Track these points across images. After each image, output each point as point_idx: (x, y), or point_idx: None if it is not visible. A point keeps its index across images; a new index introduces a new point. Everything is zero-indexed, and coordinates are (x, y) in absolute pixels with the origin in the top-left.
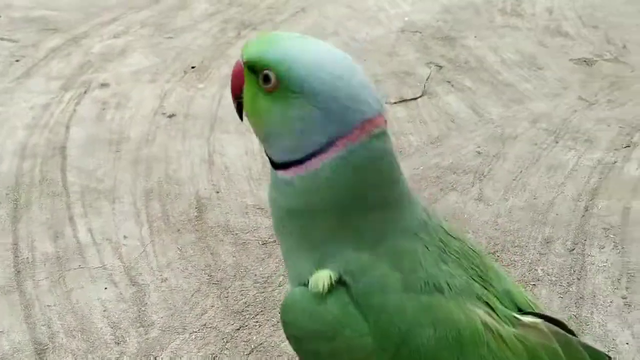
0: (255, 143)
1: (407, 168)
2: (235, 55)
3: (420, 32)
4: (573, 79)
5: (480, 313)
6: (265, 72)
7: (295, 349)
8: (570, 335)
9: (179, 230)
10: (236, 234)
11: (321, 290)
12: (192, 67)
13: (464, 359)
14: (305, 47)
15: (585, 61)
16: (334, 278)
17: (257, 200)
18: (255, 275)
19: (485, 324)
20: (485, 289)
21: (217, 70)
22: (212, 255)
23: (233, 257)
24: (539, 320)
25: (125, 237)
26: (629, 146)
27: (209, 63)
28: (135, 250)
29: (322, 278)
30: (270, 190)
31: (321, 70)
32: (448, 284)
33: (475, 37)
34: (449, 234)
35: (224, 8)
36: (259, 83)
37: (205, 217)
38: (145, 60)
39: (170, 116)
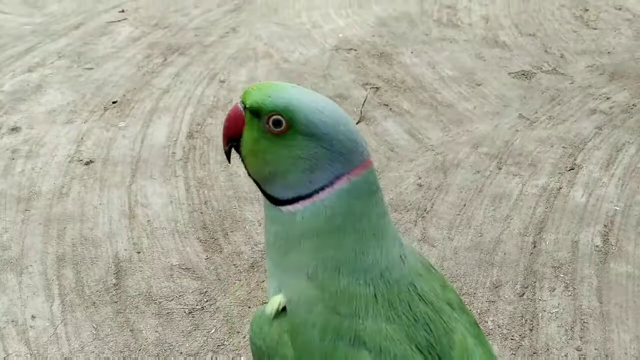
0: (181, 190)
1: None
2: (160, 86)
3: (356, 50)
4: (513, 95)
5: None
6: (276, 116)
7: None
8: None
9: (94, 303)
10: (159, 302)
11: (269, 313)
12: (113, 102)
13: None
14: (306, 95)
15: (524, 74)
16: (281, 305)
17: (183, 259)
18: (181, 352)
19: None
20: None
21: (141, 104)
22: (131, 332)
23: (155, 332)
24: None
25: (33, 317)
26: (573, 169)
27: (132, 96)
28: (44, 333)
29: (273, 302)
30: (268, 223)
31: (326, 116)
32: (380, 345)
33: (411, 52)
34: (417, 292)
35: (149, 31)
36: (264, 126)
37: (125, 285)
38: (62, 97)
39: (88, 163)
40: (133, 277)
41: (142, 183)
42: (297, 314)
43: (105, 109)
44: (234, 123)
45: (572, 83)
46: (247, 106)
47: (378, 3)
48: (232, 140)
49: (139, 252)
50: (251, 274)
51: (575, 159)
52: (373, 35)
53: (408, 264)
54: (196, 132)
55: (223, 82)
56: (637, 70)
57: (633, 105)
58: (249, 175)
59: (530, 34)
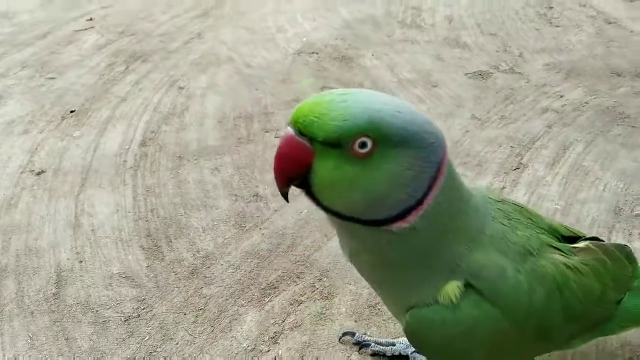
0: (128, 198)
1: (292, 211)
2: (119, 94)
3: (317, 53)
4: (467, 96)
5: (557, 257)
6: (362, 139)
7: (439, 358)
8: (604, 243)
9: (32, 313)
10: (96, 310)
11: (455, 300)
12: (71, 112)
13: (564, 300)
14: (376, 101)
15: (480, 74)
16: (461, 286)
17: (124, 268)
18: None
19: (565, 265)
20: (543, 234)
21: (98, 112)
22: (66, 340)
23: (90, 340)
24: (586, 242)
25: None
26: (518, 168)
27: (90, 105)
28: None
29: (451, 290)
30: (366, 251)
31: (405, 114)
32: (530, 245)
33: (372, 55)
34: (498, 201)
35: (115, 38)
36: (347, 154)
37: (64, 294)
38: (21, 107)
39: (39, 173)
40: (73, 286)
41: (91, 192)
42: (482, 278)
43: (63, 119)
44: (297, 159)
45: (527, 82)
46: (322, 139)
47: (345, 5)
48: (294, 178)
49: (81, 262)
50: (190, 281)
51: (521, 159)
52: (336, 39)
53: (489, 196)
54: (149, 139)
55: (182, 88)
56: (594, 67)
57: (585, 102)
58: (324, 209)
59: (491, 34)
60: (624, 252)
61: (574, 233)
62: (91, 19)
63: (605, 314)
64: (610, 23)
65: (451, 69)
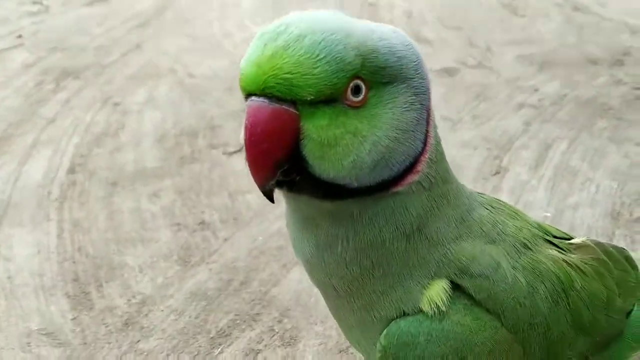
0: (52, 236)
1: (245, 239)
2: (47, 115)
3: None
4: (434, 95)
5: (555, 253)
6: (355, 82)
7: None
8: (602, 242)
9: None
10: None
11: (443, 307)
12: None
13: (570, 300)
14: (347, 27)
15: (446, 71)
16: (448, 288)
17: (44, 322)
18: None
19: (565, 262)
20: (534, 227)
21: (22, 138)
22: None
23: None
24: (583, 239)
25: None
26: (498, 172)
27: (14, 130)
28: None
29: (436, 295)
30: (350, 238)
31: (384, 37)
32: (525, 237)
33: None
34: (491, 198)
35: (45, 55)
36: (343, 105)
37: None
38: None
39: None
40: None
41: (8, 232)
42: (472, 276)
43: None
44: (282, 132)
45: (498, 77)
46: (312, 98)
47: (296, 5)
48: (282, 164)
49: None
50: (124, 334)
51: (501, 162)
52: None
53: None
54: (79, 165)
55: (117, 104)
56: (568, 57)
57: (564, 95)
58: (322, 191)
59: (455, 27)
60: (623, 255)
61: (567, 235)
62: (20, 36)
63: (615, 327)
64: (578, 9)
65: None
